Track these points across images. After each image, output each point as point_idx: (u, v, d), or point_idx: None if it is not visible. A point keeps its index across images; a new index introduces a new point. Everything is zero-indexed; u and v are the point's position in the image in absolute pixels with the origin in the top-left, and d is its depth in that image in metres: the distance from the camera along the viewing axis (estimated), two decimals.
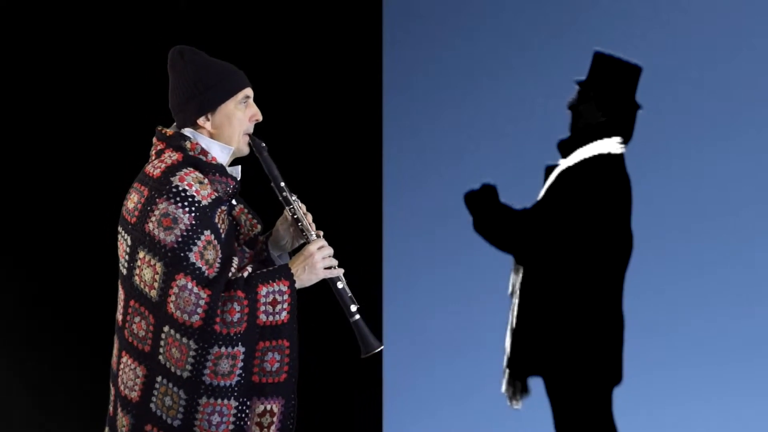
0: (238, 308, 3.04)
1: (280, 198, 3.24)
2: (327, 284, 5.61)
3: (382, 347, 3.20)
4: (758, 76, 5.38)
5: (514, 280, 4.26)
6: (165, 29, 5.43)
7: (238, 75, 3.22)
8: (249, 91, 3.23)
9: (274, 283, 3.10)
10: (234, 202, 3.26)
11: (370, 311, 5.64)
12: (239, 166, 3.25)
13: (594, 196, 4.08)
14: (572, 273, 4.06)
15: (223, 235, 3.12)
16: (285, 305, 3.10)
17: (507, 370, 4.19)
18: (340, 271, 3.20)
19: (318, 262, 3.16)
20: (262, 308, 3.07)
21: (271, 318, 3.08)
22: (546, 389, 4.14)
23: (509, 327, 4.23)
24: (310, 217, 3.26)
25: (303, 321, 5.46)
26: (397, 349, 5.68)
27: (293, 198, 3.24)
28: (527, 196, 4.30)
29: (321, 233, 3.23)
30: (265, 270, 3.14)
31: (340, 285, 3.19)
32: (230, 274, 3.11)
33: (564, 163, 4.17)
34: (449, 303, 5.73)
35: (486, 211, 4.19)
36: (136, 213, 3.10)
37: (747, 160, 5.40)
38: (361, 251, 5.64)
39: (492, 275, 4.63)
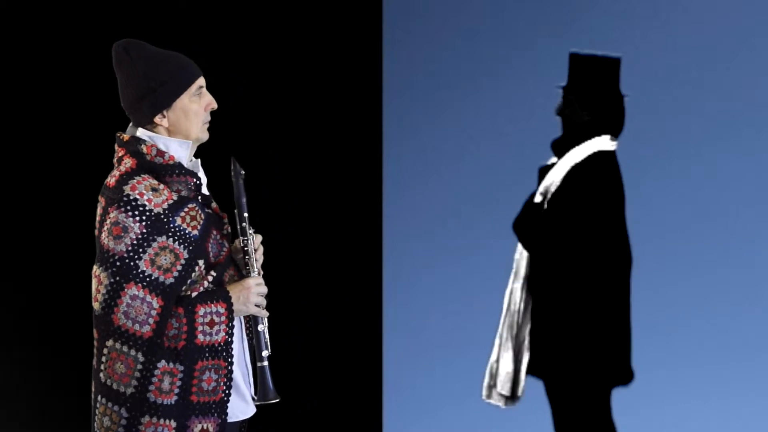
0: (176, 324, 3.02)
1: (239, 227, 3.20)
2: (327, 291, 5.63)
3: (278, 400, 3.21)
4: (758, 76, 5.38)
5: (514, 283, 4.26)
6: (165, 29, 5.43)
7: (189, 66, 3.15)
8: (202, 81, 3.16)
9: (212, 305, 3.08)
10: (206, 191, 3.21)
11: (370, 311, 5.67)
12: (198, 160, 3.20)
13: (594, 196, 4.08)
14: (578, 275, 4.06)
15: (194, 232, 3.09)
16: (222, 326, 3.09)
17: (513, 373, 4.18)
18: (266, 314, 3.20)
19: (252, 297, 3.15)
20: (200, 328, 3.05)
21: (208, 338, 3.06)
22: (546, 390, 4.15)
23: (506, 331, 4.23)
24: (260, 253, 3.23)
25: (303, 322, 5.48)
26: (397, 349, 5.68)
27: (250, 231, 3.21)
28: (527, 196, 4.30)
29: (262, 272, 3.22)
30: (204, 291, 3.10)
31: (260, 327, 3.20)
32: (195, 274, 3.08)
33: (560, 164, 4.17)
34: (449, 303, 5.72)
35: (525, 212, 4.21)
36: (97, 225, 3.08)
37: (747, 160, 5.40)
38: (361, 251, 5.64)
39: (492, 275, 4.63)
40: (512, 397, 4.25)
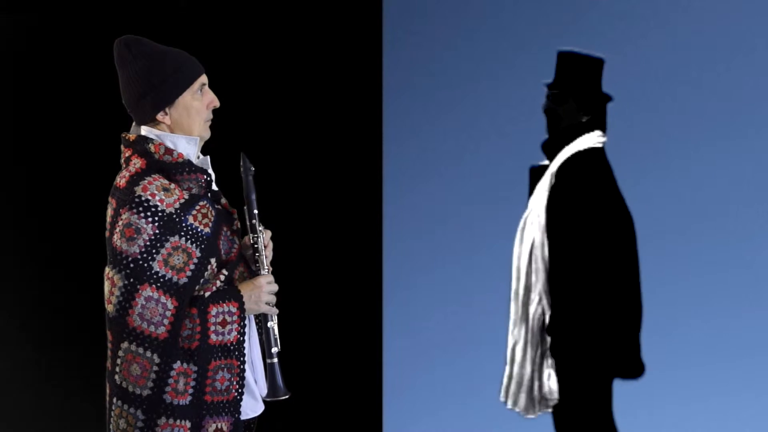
0: (189, 325, 3.02)
1: (248, 224, 3.20)
2: (327, 291, 5.63)
3: (288, 396, 3.21)
4: (758, 76, 5.38)
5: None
6: (165, 29, 5.43)
7: (191, 63, 3.13)
8: (204, 78, 3.15)
9: (224, 304, 3.08)
10: (215, 188, 3.20)
11: (370, 311, 5.67)
12: (208, 157, 3.19)
13: (593, 190, 4.09)
14: (581, 268, 4.06)
15: (206, 230, 3.08)
16: (234, 326, 3.08)
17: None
18: (276, 311, 3.20)
19: (263, 295, 3.15)
20: (212, 327, 3.05)
21: (220, 338, 3.06)
22: None
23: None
24: (269, 249, 3.22)
25: (303, 322, 5.48)
26: (397, 349, 5.68)
27: (260, 228, 3.20)
28: (527, 196, 4.30)
29: (271, 269, 3.21)
30: (216, 290, 3.09)
31: (270, 324, 3.20)
32: (207, 273, 3.08)
33: (552, 166, 4.17)
34: (449, 303, 5.72)
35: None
36: (108, 227, 3.07)
37: (747, 160, 5.40)
38: (361, 251, 5.64)
39: (492, 275, 4.63)
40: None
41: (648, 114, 5.27)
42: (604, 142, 4.18)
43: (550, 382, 4.11)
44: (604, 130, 4.19)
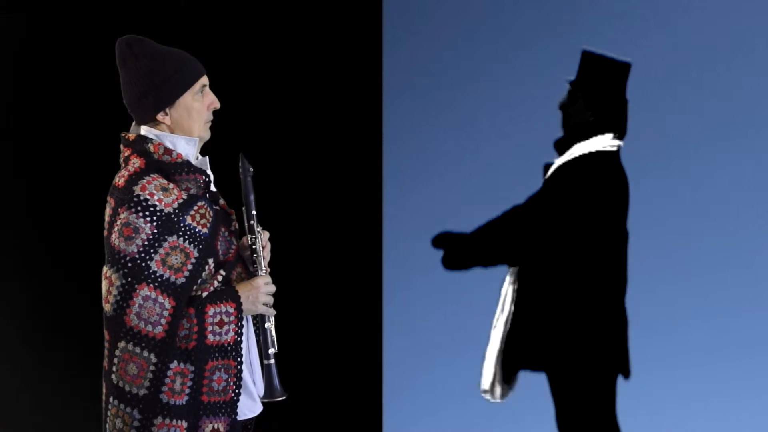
0: (186, 325, 3.02)
1: (246, 225, 3.21)
2: (327, 291, 5.63)
3: (284, 397, 3.22)
4: (758, 76, 5.38)
5: (511, 278, 4.27)
6: (165, 29, 5.43)
7: (192, 64, 3.14)
8: (205, 80, 3.15)
9: (222, 304, 3.08)
10: (213, 188, 3.21)
11: (370, 311, 5.67)
12: (207, 158, 3.19)
13: (587, 192, 4.09)
14: (570, 267, 4.07)
15: (204, 230, 3.08)
16: (231, 326, 3.09)
17: (496, 367, 4.19)
18: (274, 312, 3.20)
19: (261, 296, 3.16)
20: (209, 328, 3.05)
21: (218, 338, 3.06)
22: (549, 385, 4.14)
23: (501, 322, 4.24)
24: (267, 250, 3.23)
25: (303, 322, 5.48)
26: (397, 349, 5.68)
27: (258, 229, 3.21)
28: (527, 196, 4.30)
29: (269, 270, 3.22)
30: (213, 290, 3.10)
31: (267, 325, 3.21)
32: (205, 273, 3.08)
33: (559, 161, 4.18)
34: (449, 303, 5.72)
35: (461, 240, 4.22)
36: (106, 226, 3.07)
37: (747, 160, 5.40)
38: (361, 251, 5.64)
39: (492, 275, 4.63)
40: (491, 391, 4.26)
41: (648, 114, 5.26)
42: (619, 146, 4.17)
43: (487, 376, 4.16)
44: (620, 133, 4.18)
